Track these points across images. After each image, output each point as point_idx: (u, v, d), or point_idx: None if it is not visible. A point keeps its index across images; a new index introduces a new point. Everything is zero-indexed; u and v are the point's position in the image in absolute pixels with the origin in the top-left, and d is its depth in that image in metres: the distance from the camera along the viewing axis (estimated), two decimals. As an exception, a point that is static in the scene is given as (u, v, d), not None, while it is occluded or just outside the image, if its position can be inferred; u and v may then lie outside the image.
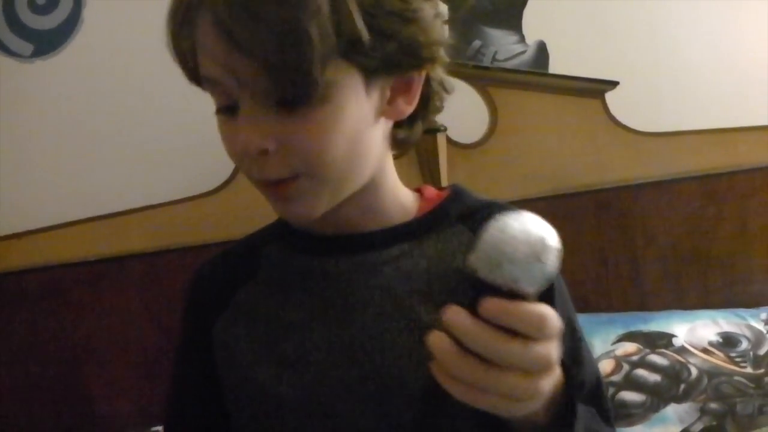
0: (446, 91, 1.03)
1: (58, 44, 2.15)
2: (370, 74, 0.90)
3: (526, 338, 0.71)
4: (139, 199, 2.13)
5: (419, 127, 1.03)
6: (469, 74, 2.11)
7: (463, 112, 2.03)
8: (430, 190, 1.10)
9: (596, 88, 2.14)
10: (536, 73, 2.22)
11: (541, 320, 0.71)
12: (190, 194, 2.12)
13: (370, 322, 0.98)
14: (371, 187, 1.00)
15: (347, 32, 0.85)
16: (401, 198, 1.06)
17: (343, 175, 0.92)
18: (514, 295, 0.70)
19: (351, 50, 0.86)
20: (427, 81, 1.00)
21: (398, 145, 1.03)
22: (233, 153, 0.91)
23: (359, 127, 0.91)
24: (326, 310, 0.99)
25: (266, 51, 0.82)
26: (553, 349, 0.72)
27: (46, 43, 2.14)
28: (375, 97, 0.93)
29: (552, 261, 0.70)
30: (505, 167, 2.14)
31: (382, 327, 0.97)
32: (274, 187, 0.90)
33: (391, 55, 0.90)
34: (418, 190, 1.09)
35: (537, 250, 0.69)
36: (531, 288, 0.70)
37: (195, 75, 0.94)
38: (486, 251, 0.70)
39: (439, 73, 1.00)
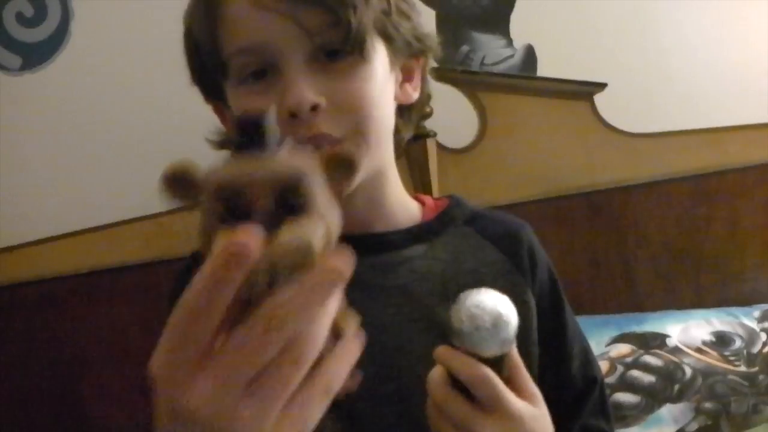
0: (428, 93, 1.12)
1: (47, 57, 2.15)
2: (392, 51, 1.00)
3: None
4: (132, 209, 2.13)
5: (410, 127, 1.11)
6: (457, 79, 2.11)
7: (452, 117, 2.04)
8: (429, 199, 1.15)
9: (585, 91, 2.15)
10: (525, 77, 2.22)
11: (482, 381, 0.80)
12: (183, 205, 2.11)
13: (388, 321, 1.00)
14: (380, 180, 1.04)
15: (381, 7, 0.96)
16: (406, 201, 1.11)
17: (378, 138, 0.98)
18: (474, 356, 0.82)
19: (382, 24, 0.97)
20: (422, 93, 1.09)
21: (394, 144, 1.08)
22: None
23: (388, 96, 1.00)
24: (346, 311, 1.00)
25: (350, 15, 0.91)
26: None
27: (35, 56, 2.14)
28: (393, 76, 1.02)
29: (506, 333, 0.82)
30: (496, 171, 2.14)
31: (401, 327, 1.00)
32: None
33: (407, 37, 1.01)
34: (417, 199, 1.14)
35: (497, 324, 0.81)
36: (487, 352, 0.82)
37: (204, 66, 1.00)
38: (460, 318, 0.83)
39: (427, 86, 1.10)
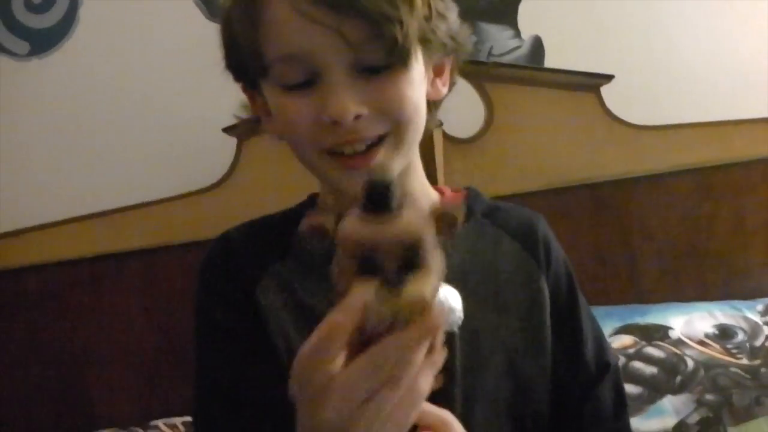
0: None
1: (55, 43, 2.16)
2: (429, 53, 1.02)
3: None
4: (136, 196, 2.14)
5: (435, 120, 1.14)
6: (464, 69, 2.11)
7: (459, 107, 2.03)
8: (447, 190, 1.18)
9: (592, 83, 2.14)
10: (532, 68, 2.22)
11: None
12: (188, 191, 2.12)
13: None
14: (407, 171, 1.07)
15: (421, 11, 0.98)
16: (428, 191, 1.14)
17: (413, 139, 1.02)
18: None
19: (423, 31, 0.98)
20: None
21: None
22: (309, 125, 0.97)
23: (423, 97, 1.02)
24: None
25: (380, 13, 0.92)
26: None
27: (43, 42, 2.15)
28: (426, 75, 1.04)
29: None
30: (502, 162, 2.14)
31: None
32: (362, 158, 0.97)
33: (443, 39, 1.02)
34: (438, 190, 1.17)
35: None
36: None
37: (241, 61, 1.01)
38: None
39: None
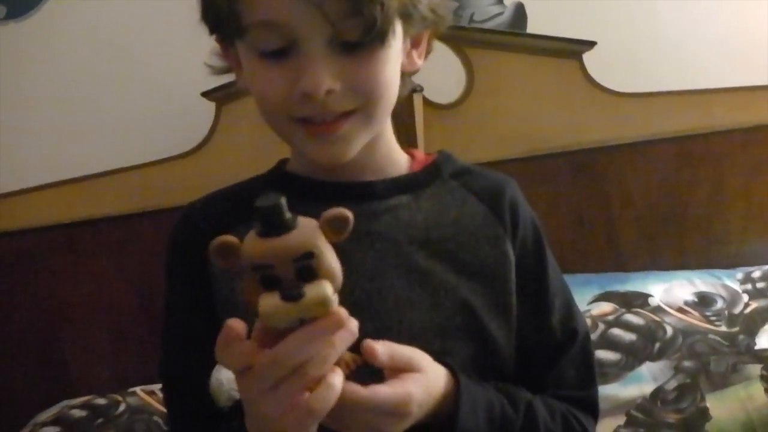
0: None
1: (32, 6, 2.13)
2: (408, 27, 1.00)
3: None
4: (114, 161, 2.12)
5: (406, 89, 1.11)
6: (445, 35, 2.09)
7: (439, 73, 2.02)
8: (420, 153, 1.17)
9: (573, 49, 2.13)
10: (513, 34, 2.20)
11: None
12: (167, 156, 2.10)
13: (371, 267, 1.03)
14: (377, 138, 1.06)
15: None
16: (396, 153, 1.13)
17: (385, 112, 1.02)
18: None
19: (403, 6, 0.97)
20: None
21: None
22: (279, 95, 0.96)
23: (397, 71, 1.01)
24: None
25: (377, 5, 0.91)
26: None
27: (20, 6, 2.12)
28: (403, 47, 1.03)
29: None
30: (482, 128, 2.13)
31: (382, 272, 1.03)
32: (330, 126, 0.97)
33: (424, 11, 1.00)
34: (409, 153, 1.16)
35: None
36: None
37: (218, 19, 1.00)
38: None
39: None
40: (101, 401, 1.96)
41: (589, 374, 1.13)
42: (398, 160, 1.12)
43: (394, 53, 1.00)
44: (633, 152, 2.19)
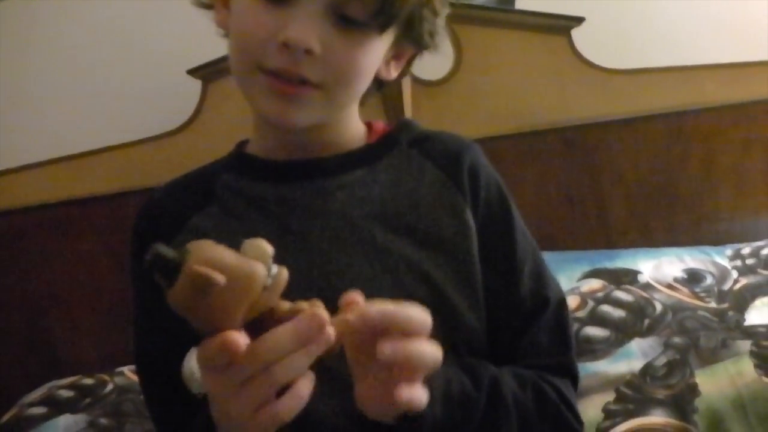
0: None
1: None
2: (404, 36, 1.03)
3: None
4: (101, 139, 2.11)
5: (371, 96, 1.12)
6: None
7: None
8: (379, 124, 1.15)
9: (562, 25, 2.12)
10: (502, 10, 2.19)
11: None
12: (153, 134, 2.09)
13: (327, 246, 1.01)
14: (337, 119, 1.06)
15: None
16: (355, 127, 1.11)
17: (349, 99, 1.03)
18: None
19: (412, 13, 0.99)
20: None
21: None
22: (261, 38, 0.95)
23: (373, 68, 1.02)
24: (283, 236, 1.01)
25: None
26: None
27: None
28: (386, 54, 1.03)
29: None
30: (471, 105, 2.12)
31: (339, 251, 1.01)
32: (291, 86, 0.96)
33: (424, 31, 1.04)
34: (368, 124, 1.14)
35: None
36: None
37: None
38: None
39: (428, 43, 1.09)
40: (89, 381, 1.95)
41: (564, 339, 1.10)
42: (354, 134, 1.11)
43: (380, 49, 1.00)
44: (623, 129, 2.18)
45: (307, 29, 0.93)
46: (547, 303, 1.09)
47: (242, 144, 1.14)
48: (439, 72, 2.12)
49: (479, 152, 1.12)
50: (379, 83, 1.09)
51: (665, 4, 2.26)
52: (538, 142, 2.14)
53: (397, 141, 1.10)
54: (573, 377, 1.11)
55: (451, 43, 2.11)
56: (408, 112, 1.96)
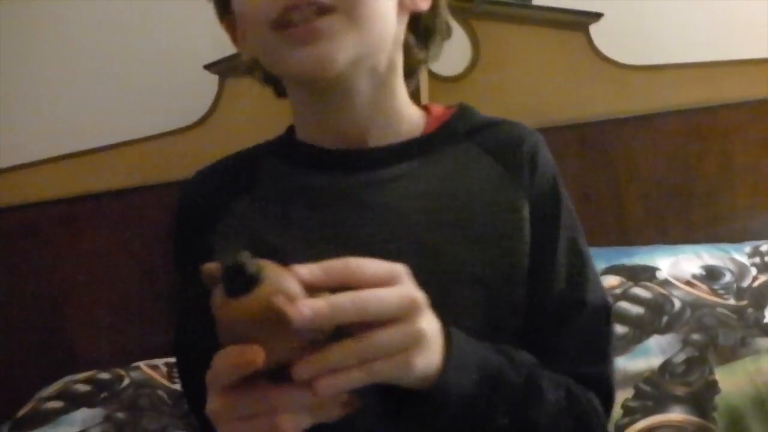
0: (447, 34, 1.12)
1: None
2: None
3: None
4: (117, 134, 2.11)
5: (424, 54, 1.09)
6: (450, 6, 2.07)
7: (444, 44, 2.01)
8: (437, 108, 1.11)
9: (580, 21, 2.11)
10: (519, 6, 2.18)
11: None
12: (169, 129, 2.09)
13: (370, 240, 0.98)
14: (384, 90, 1.01)
15: None
16: (410, 112, 1.07)
17: (371, 21, 0.94)
18: None
19: None
20: (436, 14, 1.07)
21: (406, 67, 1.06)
22: None
23: None
24: (327, 228, 0.99)
25: None
26: None
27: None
28: None
29: None
30: (488, 101, 2.10)
31: (382, 246, 0.97)
32: (308, 25, 0.90)
33: None
34: (425, 108, 1.10)
35: None
36: None
37: None
38: None
39: (444, 10, 1.09)
40: (105, 376, 1.95)
41: (598, 349, 1.05)
42: (412, 120, 1.07)
43: None
44: (640, 125, 2.17)
45: None
46: (582, 306, 1.04)
47: (291, 129, 1.10)
48: (457, 68, 2.11)
49: (540, 142, 1.07)
50: (417, 24, 1.04)
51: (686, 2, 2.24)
52: (554, 139, 2.10)
53: (455, 130, 1.06)
54: (605, 395, 1.04)
55: (468, 39, 2.11)
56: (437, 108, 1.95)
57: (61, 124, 2.14)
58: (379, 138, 1.03)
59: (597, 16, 2.10)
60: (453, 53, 2.09)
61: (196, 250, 1.05)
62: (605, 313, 1.07)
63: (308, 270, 0.73)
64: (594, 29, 2.12)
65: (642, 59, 2.16)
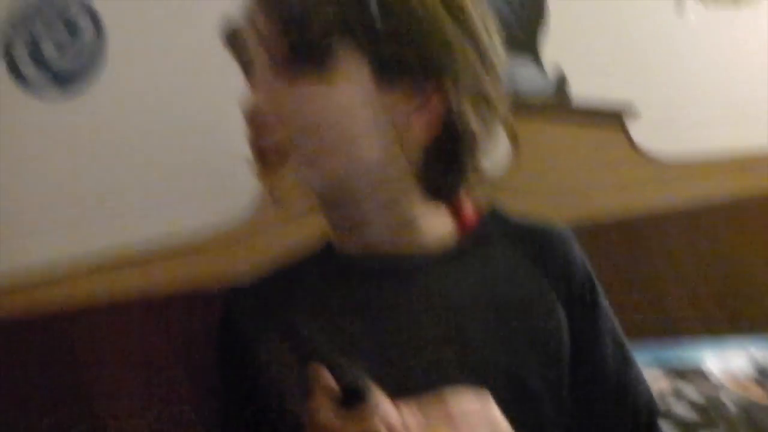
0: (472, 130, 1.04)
1: (83, 84, 2.17)
2: (380, 67, 0.94)
3: None
4: (159, 238, 2.13)
5: (455, 178, 1.08)
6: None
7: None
8: (468, 209, 1.14)
9: (617, 116, 2.12)
10: (557, 104, 2.21)
11: None
12: (213, 232, 2.11)
13: (416, 345, 1.00)
14: (397, 205, 1.04)
15: (359, 15, 0.92)
16: (440, 217, 1.10)
17: (327, 156, 0.96)
18: None
19: (362, 34, 0.91)
20: (454, 127, 1.02)
21: (432, 191, 1.07)
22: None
23: (357, 113, 0.95)
24: (371, 337, 1.01)
25: (280, 9, 0.91)
26: None
27: (71, 83, 2.16)
28: (388, 99, 0.96)
29: None
30: (529, 199, 2.10)
31: (428, 350, 1.00)
32: (274, 152, 0.96)
33: (402, 52, 0.94)
34: (453, 208, 1.12)
35: None
36: None
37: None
38: None
39: (467, 111, 1.03)
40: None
41: None
42: (442, 225, 1.09)
43: (349, 90, 0.95)
44: (681, 219, 2.16)
45: (255, 93, 0.95)
46: (628, 404, 1.07)
47: (328, 238, 1.12)
48: (496, 168, 2.13)
49: (573, 241, 1.09)
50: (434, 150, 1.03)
51: (720, 91, 2.25)
52: (595, 235, 2.12)
53: (489, 234, 1.08)
54: None
55: (507, 137, 2.13)
56: (465, 207, 1.96)
57: (108, 223, 2.17)
58: (413, 245, 1.05)
59: (634, 111, 2.11)
60: (492, 153, 2.11)
61: (242, 363, 1.07)
62: (652, 410, 1.10)
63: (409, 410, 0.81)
64: (631, 124, 2.13)
65: (682, 152, 2.17)
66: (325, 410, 0.78)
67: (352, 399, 0.80)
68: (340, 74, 0.94)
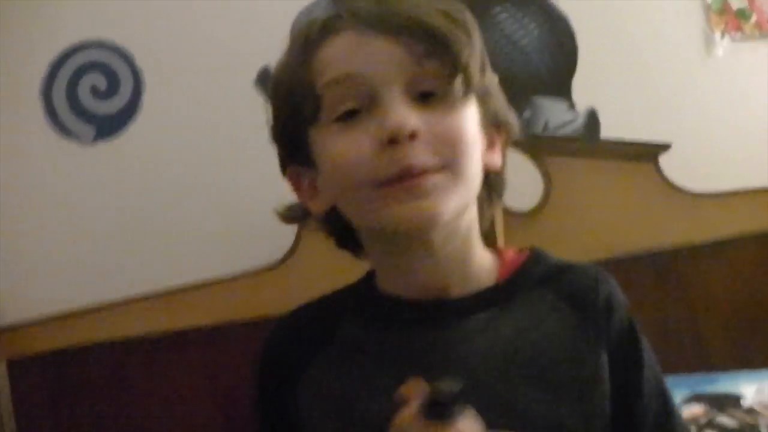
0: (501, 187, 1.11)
1: (119, 128, 2.21)
2: (482, 111, 1.01)
3: None
4: (198, 275, 2.15)
5: (493, 203, 1.10)
6: (521, 143, 2.12)
7: (517, 180, 2.03)
8: (509, 252, 1.09)
9: (649, 152, 2.14)
10: (588, 140, 2.22)
11: None
12: (250, 269, 2.13)
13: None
14: (465, 243, 1.02)
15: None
16: (485, 259, 1.07)
17: (468, 177, 0.97)
18: None
19: (479, 78, 0.99)
20: (503, 170, 1.09)
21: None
22: (364, 152, 0.93)
23: (478, 146, 0.99)
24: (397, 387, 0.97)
25: (443, 27, 0.94)
26: None
27: (108, 127, 2.21)
28: (480, 137, 1.01)
29: None
30: (561, 235, 2.12)
31: (468, 401, 0.93)
32: (411, 179, 0.92)
33: (494, 103, 1.03)
34: (497, 252, 1.09)
35: None
36: None
37: (288, 114, 1.01)
38: None
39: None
40: None
41: None
42: (487, 267, 1.06)
43: (472, 115, 0.98)
44: (715, 253, 2.16)
45: (402, 113, 0.92)
46: None
47: (371, 274, 1.11)
48: (530, 203, 2.14)
49: (614, 285, 1.07)
50: (488, 180, 1.05)
51: (751, 124, 2.26)
52: (629, 270, 2.12)
53: (529, 277, 1.05)
54: None
55: (540, 174, 2.14)
56: (501, 242, 1.97)
57: (146, 264, 2.20)
58: (458, 287, 1.03)
59: (665, 146, 2.12)
60: (526, 188, 2.13)
61: (278, 401, 1.07)
62: None
63: None
64: (663, 159, 2.14)
65: (714, 185, 2.18)
66: (410, 418, 0.80)
67: (437, 407, 0.80)
68: (470, 102, 0.99)
